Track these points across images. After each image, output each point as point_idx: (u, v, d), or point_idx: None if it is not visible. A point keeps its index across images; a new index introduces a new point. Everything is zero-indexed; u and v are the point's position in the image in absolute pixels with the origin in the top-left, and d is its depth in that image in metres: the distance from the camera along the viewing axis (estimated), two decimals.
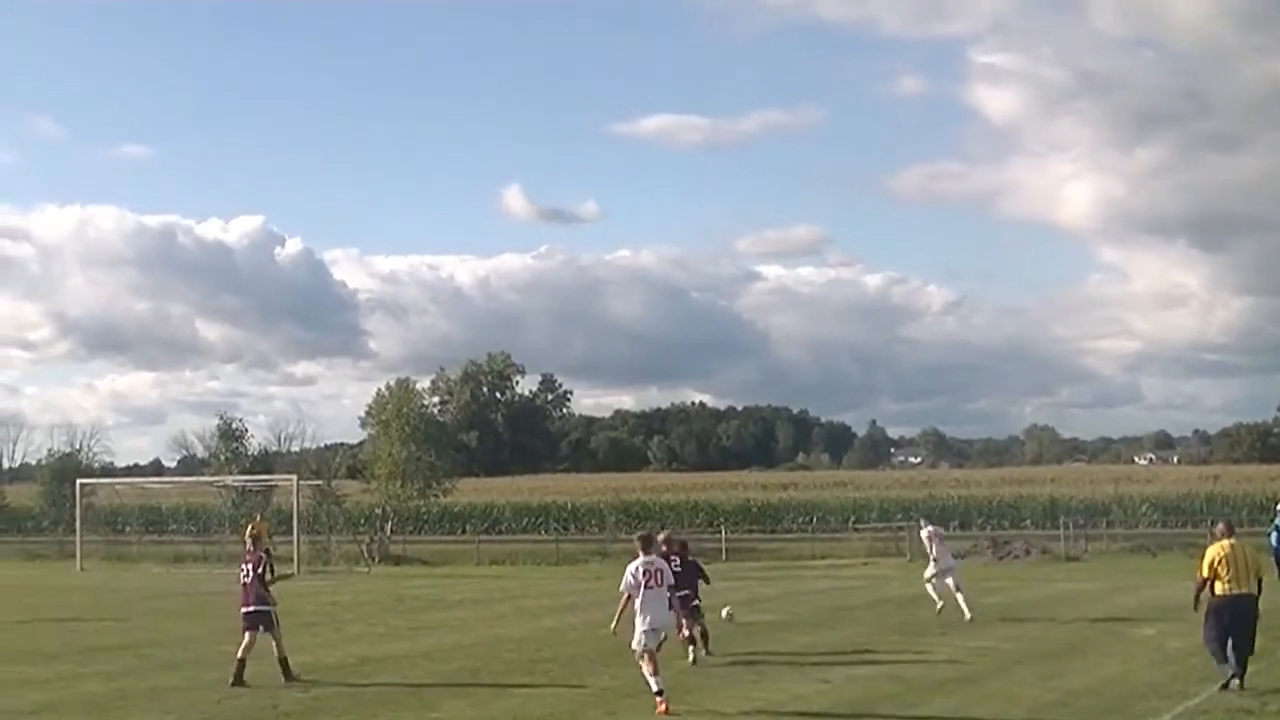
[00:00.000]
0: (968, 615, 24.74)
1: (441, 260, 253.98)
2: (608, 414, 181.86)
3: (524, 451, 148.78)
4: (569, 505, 72.74)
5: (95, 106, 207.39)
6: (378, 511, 58.47)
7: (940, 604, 25.51)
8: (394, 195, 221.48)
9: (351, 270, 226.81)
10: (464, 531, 66.85)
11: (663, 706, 15.43)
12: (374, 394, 67.97)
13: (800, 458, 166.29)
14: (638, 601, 16.20)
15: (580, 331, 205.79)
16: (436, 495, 60.95)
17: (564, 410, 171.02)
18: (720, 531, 56.18)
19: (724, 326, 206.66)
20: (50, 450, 73.35)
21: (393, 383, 66.04)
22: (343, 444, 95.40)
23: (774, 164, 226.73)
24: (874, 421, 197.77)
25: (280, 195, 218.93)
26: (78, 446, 72.82)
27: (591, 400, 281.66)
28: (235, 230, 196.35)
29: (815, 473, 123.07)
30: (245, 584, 19.12)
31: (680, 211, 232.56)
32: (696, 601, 20.78)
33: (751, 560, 50.27)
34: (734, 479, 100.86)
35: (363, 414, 71.51)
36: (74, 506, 54.43)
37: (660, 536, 19.54)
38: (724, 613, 24.47)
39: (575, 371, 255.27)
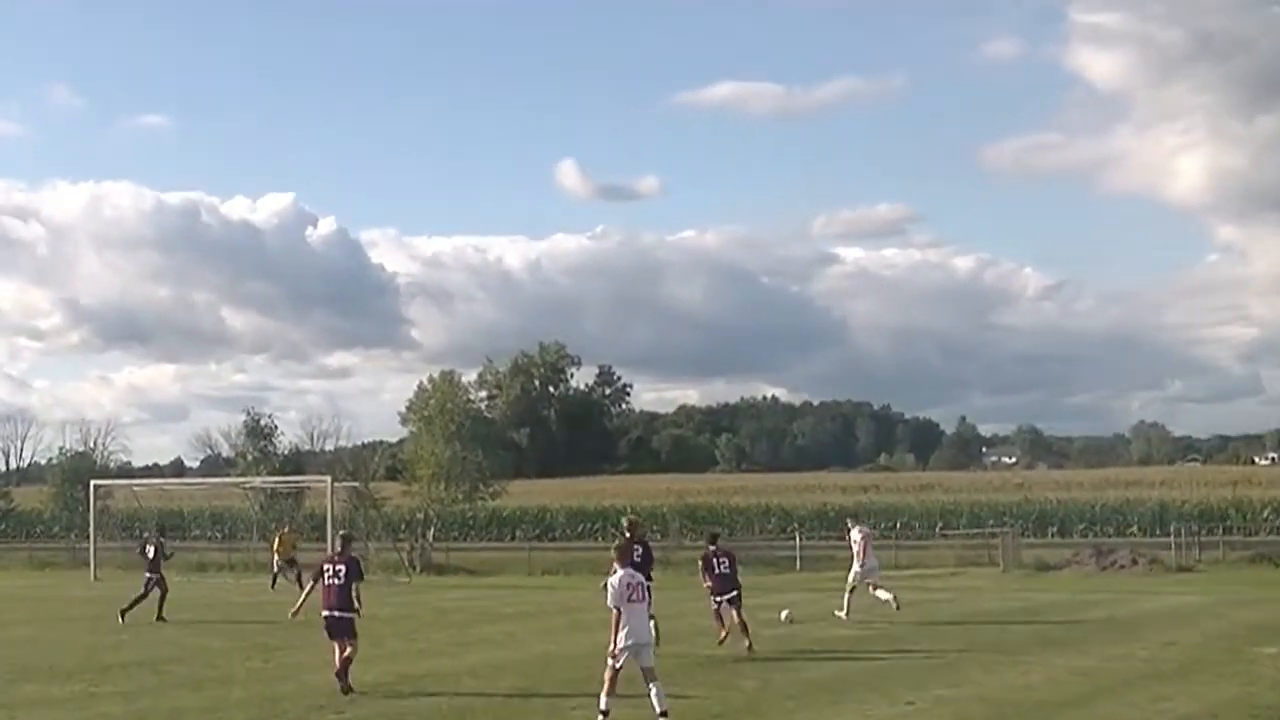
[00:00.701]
0: (895, 607, 28.81)
1: (489, 241, 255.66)
2: (670, 410, 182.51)
3: (579, 451, 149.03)
4: (628, 510, 72.76)
5: (113, 73, 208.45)
6: (419, 516, 58.75)
7: (845, 614, 29.21)
8: (436, 170, 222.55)
9: (390, 252, 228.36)
10: (513, 538, 66.94)
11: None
12: (415, 388, 68.66)
13: (882, 458, 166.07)
14: (623, 617, 16.93)
15: (640, 319, 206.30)
16: (484, 498, 61.28)
17: (623, 406, 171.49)
18: (794, 539, 56.01)
19: (798, 314, 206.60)
20: (62, 449, 74.20)
21: (436, 375, 66.86)
22: (381, 442, 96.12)
23: (853, 136, 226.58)
24: (963, 418, 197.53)
25: (312, 170, 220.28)
26: (92, 445, 73.52)
27: (653, 395, 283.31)
28: (264, 209, 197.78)
29: (898, 474, 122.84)
30: (330, 587, 19.99)
31: (750, 188, 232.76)
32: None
33: (828, 570, 49.92)
34: (809, 481, 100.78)
35: (403, 409, 72.33)
36: (88, 510, 54.32)
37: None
38: (783, 614, 27.22)
39: (635, 363, 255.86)
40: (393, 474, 69.57)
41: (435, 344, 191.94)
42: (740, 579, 25.01)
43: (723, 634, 24.13)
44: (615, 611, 16.97)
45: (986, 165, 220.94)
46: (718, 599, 24.51)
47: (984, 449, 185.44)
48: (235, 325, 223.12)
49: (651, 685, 16.81)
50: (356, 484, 59.78)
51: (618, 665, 16.87)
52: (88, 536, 53.50)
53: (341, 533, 28.93)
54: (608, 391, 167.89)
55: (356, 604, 20.03)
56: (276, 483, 59.41)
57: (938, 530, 61.74)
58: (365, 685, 20.15)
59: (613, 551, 18.29)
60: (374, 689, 19.94)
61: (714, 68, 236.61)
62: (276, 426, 66.24)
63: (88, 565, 51.23)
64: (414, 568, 52.61)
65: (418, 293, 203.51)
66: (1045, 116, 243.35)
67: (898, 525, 65.81)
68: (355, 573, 20.25)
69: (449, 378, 64.79)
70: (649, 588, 17.96)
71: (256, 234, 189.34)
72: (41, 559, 59.98)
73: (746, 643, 23.43)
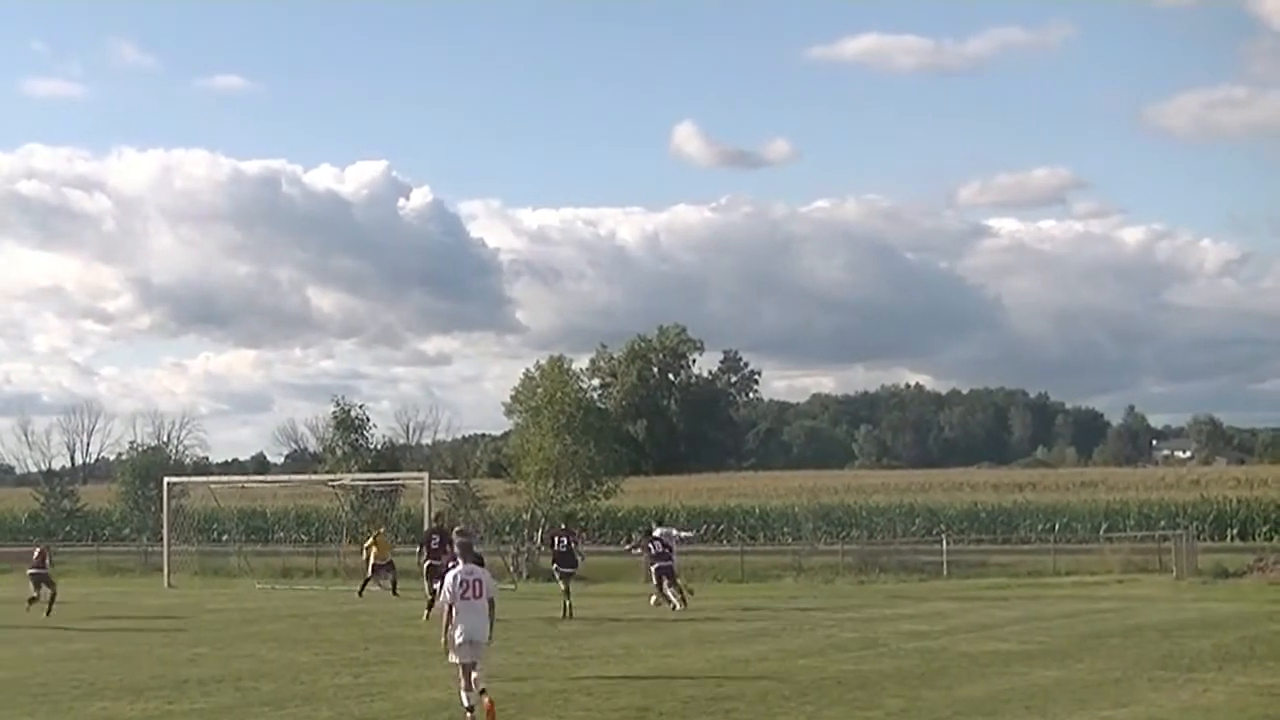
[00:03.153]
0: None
1: (601, 214, 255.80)
2: (803, 399, 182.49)
3: (702, 444, 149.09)
4: (757, 510, 72.79)
5: (184, 29, 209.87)
6: (525, 516, 58.99)
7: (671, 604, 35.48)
8: (542, 135, 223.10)
9: (492, 226, 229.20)
10: (630, 541, 67.06)
11: (488, 703, 17.71)
12: (521, 376, 68.65)
13: (1039, 452, 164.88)
14: (456, 613, 18.31)
15: (770, 300, 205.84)
16: (596, 497, 61.32)
17: (750, 395, 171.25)
18: (941, 541, 55.71)
19: (946, 292, 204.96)
20: (132, 443, 74.85)
21: (544, 362, 66.65)
22: (484, 435, 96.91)
23: (1009, 93, 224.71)
24: (1132, 408, 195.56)
25: (405, 136, 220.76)
26: (165, 439, 74.23)
27: (784, 383, 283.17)
28: (352, 178, 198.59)
29: (1059, 470, 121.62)
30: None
31: (892, 153, 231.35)
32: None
33: (980, 576, 49.80)
34: (959, 477, 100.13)
35: (508, 400, 72.26)
36: (161, 510, 54.62)
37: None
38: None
39: (764, 348, 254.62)
40: (496, 470, 69.94)
41: (542, 327, 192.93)
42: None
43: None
44: (448, 608, 18.33)
45: (1160, 124, 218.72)
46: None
47: (1154, 442, 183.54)
48: (322, 307, 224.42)
49: (474, 673, 18.21)
50: (457, 481, 60.07)
51: (463, 660, 18.23)
52: (160, 539, 53.77)
53: (458, 528, 29.31)
54: (734, 379, 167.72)
55: None
56: (369, 480, 59.49)
57: (1102, 532, 61.20)
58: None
59: (455, 547, 19.97)
60: (476, 708, 19.99)
61: (852, 19, 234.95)
62: (369, 418, 66.29)
63: (161, 571, 51.57)
64: (520, 573, 52.89)
65: (523, 271, 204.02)
66: (1227, 68, 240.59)
67: (1056, 527, 65.35)
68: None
69: (558, 364, 64.77)
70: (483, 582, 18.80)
71: (344, 206, 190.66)
72: (110, 564, 60.62)
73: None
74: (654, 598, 38.09)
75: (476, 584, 18.46)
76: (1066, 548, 57.51)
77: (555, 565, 38.96)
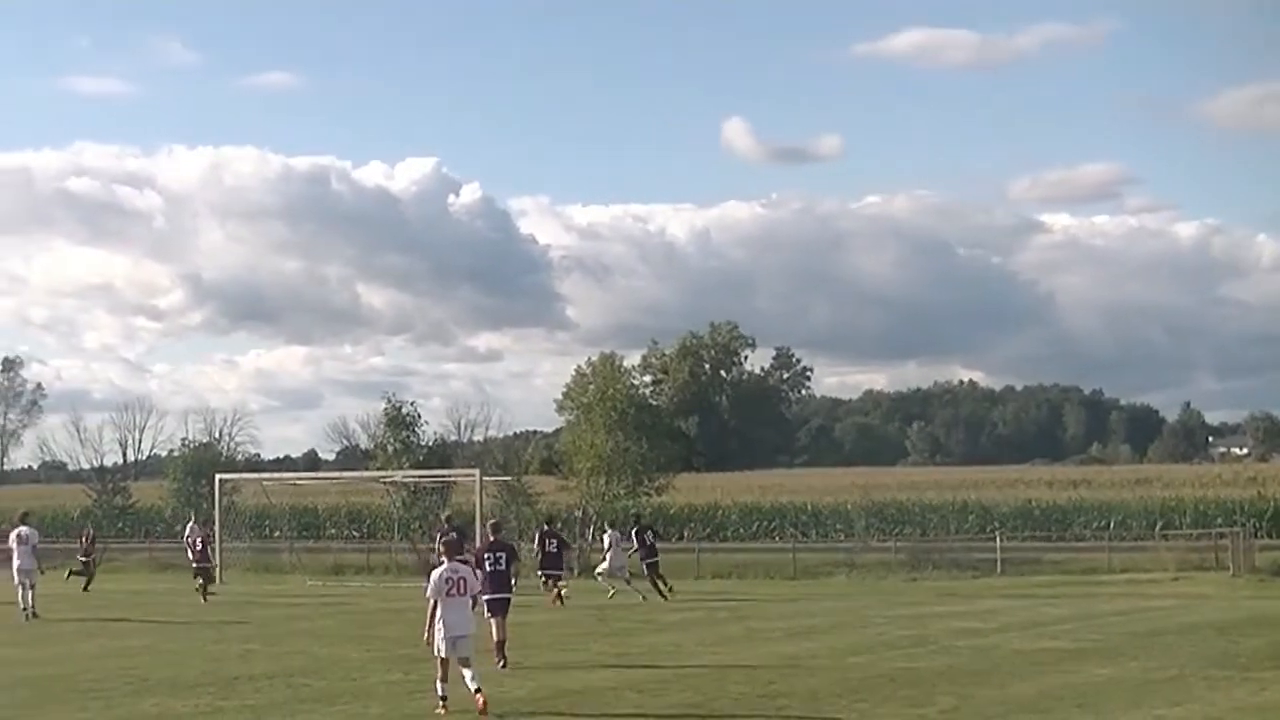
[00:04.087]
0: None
1: (651, 210, 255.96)
2: (855, 396, 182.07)
3: (754, 441, 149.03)
4: (808, 506, 72.56)
5: (231, 26, 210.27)
6: (577, 513, 58.94)
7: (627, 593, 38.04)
8: (591, 132, 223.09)
9: (542, 222, 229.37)
10: (681, 538, 67.01)
11: (482, 700, 18.62)
12: (572, 372, 68.76)
13: (1094, 449, 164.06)
14: (441, 610, 19.34)
15: (821, 296, 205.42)
16: (648, 493, 61.25)
17: (802, 391, 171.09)
18: (994, 539, 55.42)
19: (998, 288, 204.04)
20: (184, 440, 75.16)
21: (595, 359, 66.79)
22: (535, 432, 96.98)
23: (1059, 88, 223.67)
24: (1187, 404, 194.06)
25: (455, 132, 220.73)
26: (216, 435, 74.40)
27: (835, 379, 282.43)
28: (402, 175, 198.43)
29: (1113, 468, 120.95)
30: (493, 572, 24.02)
31: (941, 148, 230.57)
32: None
33: (1034, 574, 49.56)
34: (1012, 475, 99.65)
35: (559, 396, 72.40)
36: (212, 507, 54.58)
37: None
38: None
39: (816, 344, 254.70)
40: (548, 467, 69.90)
41: (593, 324, 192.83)
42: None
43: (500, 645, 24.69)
44: (431, 603, 19.38)
45: (1212, 118, 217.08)
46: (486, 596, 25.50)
47: (1210, 439, 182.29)
48: (372, 303, 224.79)
49: (466, 670, 19.03)
50: (508, 478, 60.13)
51: (441, 655, 19.20)
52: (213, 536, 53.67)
53: (491, 521, 29.71)
54: (785, 376, 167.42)
55: (513, 584, 24.25)
56: (420, 477, 59.50)
57: (1157, 530, 60.71)
58: (519, 700, 20.23)
59: (440, 546, 21.71)
60: (528, 704, 20.00)
61: (899, 14, 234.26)
62: (419, 415, 66.32)
63: (217, 567, 51.58)
64: (571, 570, 52.86)
65: (573, 267, 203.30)
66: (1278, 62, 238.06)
67: (1111, 524, 64.91)
68: (515, 557, 25.23)
69: (609, 361, 64.76)
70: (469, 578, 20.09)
71: (393, 202, 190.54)
72: (162, 560, 60.67)
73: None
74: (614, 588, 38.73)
75: (461, 581, 19.68)
76: (1121, 545, 57.11)
77: (541, 569, 40.01)
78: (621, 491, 59.21)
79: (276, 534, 65.78)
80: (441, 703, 18.98)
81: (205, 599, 40.79)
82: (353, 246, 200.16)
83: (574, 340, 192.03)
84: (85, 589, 41.57)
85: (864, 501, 69.64)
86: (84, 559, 46.31)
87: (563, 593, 39.25)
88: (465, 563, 20.78)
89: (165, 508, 70.85)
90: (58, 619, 35.16)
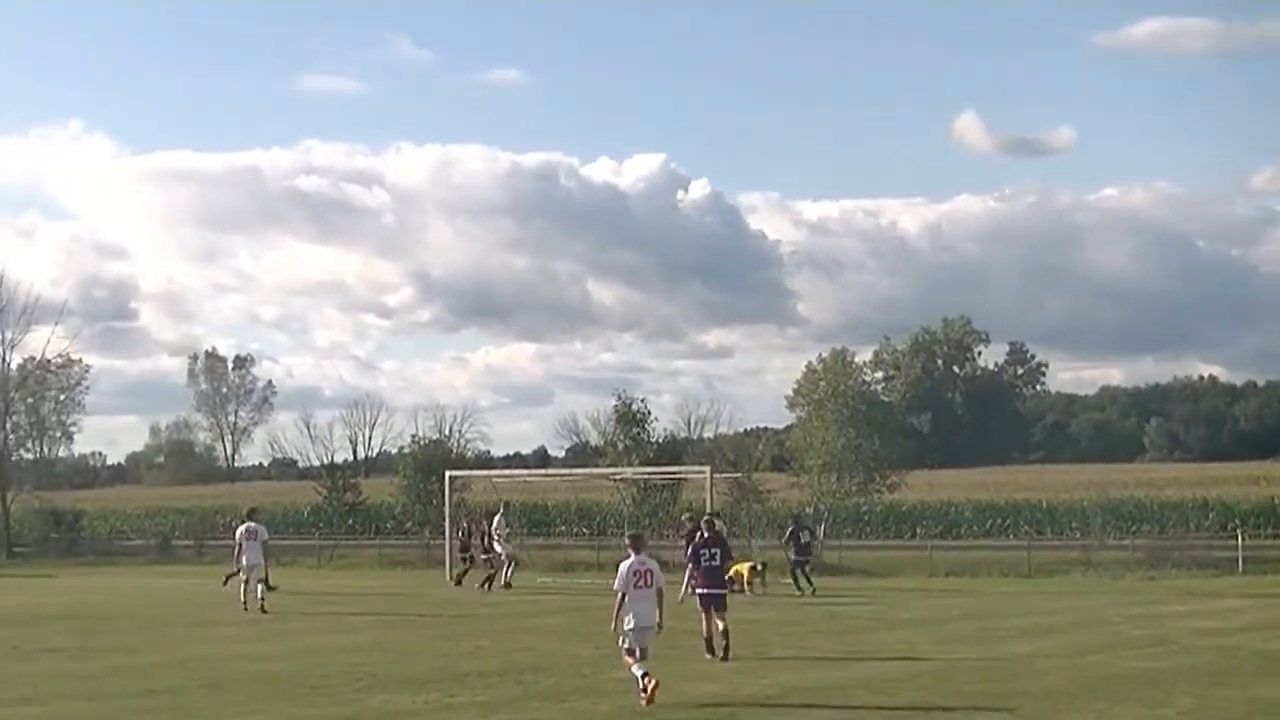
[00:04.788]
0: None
1: (881, 205, 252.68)
2: (1091, 391, 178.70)
3: (988, 437, 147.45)
4: (1044, 504, 71.49)
5: (460, 24, 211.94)
6: (808, 510, 58.72)
7: None
8: (820, 126, 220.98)
9: (772, 218, 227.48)
10: (914, 535, 66.46)
11: (653, 684, 19.22)
12: (803, 368, 68.42)
13: None
14: (627, 601, 20.21)
15: (1056, 290, 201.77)
16: (880, 491, 60.88)
17: (1037, 387, 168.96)
18: (1236, 537, 54.24)
19: (1240, 281, 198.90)
20: (414, 437, 75.55)
21: (826, 355, 66.48)
22: (766, 429, 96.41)
23: None
24: None
25: (684, 128, 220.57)
26: (446, 432, 74.98)
27: (1071, 374, 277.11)
28: (630, 171, 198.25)
29: None
30: (709, 568, 25.30)
31: (1181, 139, 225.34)
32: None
33: (1277, 573, 48.40)
34: (1254, 471, 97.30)
35: (790, 393, 72.24)
36: (442, 504, 54.72)
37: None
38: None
39: (1050, 340, 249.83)
40: (779, 464, 69.61)
41: (824, 320, 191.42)
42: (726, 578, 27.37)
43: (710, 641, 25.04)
44: (619, 595, 20.27)
45: None
46: (701, 591, 25.80)
47: None
48: (602, 300, 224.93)
49: (640, 665, 19.70)
50: (738, 475, 59.98)
51: (624, 645, 20.12)
52: (442, 533, 54.02)
53: (705, 518, 30.21)
54: (1019, 371, 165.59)
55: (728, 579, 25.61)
56: (650, 474, 59.52)
57: None
58: (749, 697, 20.22)
59: (626, 540, 21.98)
60: (759, 701, 19.95)
61: (1138, 3, 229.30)
62: (650, 412, 66.12)
63: (442, 564, 51.92)
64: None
65: (803, 263, 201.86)
66: None
67: None
68: (728, 554, 26.41)
69: (841, 357, 64.48)
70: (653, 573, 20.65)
71: (621, 198, 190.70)
72: (392, 557, 61.46)
73: (722, 651, 24.54)
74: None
75: (648, 574, 20.46)
76: None
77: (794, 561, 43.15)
78: (853, 488, 58.91)
79: (507, 531, 66.13)
80: (643, 679, 19.47)
81: (489, 587, 43.04)
82: (581, 243, 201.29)
83: (805, 336, 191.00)
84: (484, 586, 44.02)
85: (1100, 498, 68.37)
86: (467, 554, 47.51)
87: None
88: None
89: (395, 504, 71.59)
90: (284, 616, 35.78)
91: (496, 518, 47.43)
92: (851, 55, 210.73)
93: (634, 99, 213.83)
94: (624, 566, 20.49)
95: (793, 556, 44.24)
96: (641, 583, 20.28)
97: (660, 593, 20.58)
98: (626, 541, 21.64)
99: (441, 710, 19.69)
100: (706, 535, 26.61)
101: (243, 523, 38.87)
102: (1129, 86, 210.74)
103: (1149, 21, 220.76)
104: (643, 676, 19.45)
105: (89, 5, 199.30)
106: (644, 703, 19.21)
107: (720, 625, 24.74)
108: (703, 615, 24.96)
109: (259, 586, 37.01)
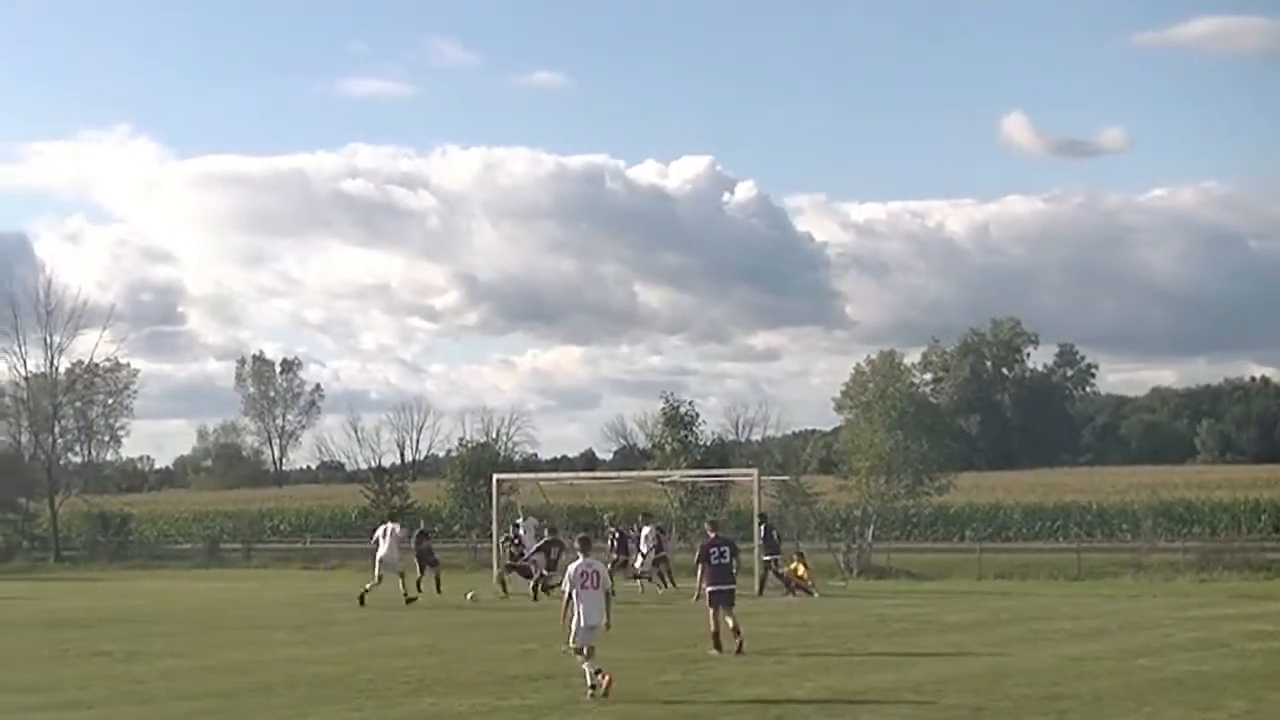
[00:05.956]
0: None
1: (929, 206, 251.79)
2: (1142, 393, 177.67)
3: (1037, 439, 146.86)
4: (1094, 506, 71.30)
5: (505, 25, 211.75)
6: (856, 513, 58.68)
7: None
8: (867, 128, 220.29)
9: (818, 220, 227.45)
10: (962, 538, 66.41)
11: (606, 680, 20.33)
12: (851, 371, 68.31)
13: None
14: (575, 601, 21.04)
15: (1106, 291, 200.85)
16: (928, 493, 60.70)
17: (1087, 389, 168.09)
18: None
19: None
20: (461, 440, 75.86)
21: (874, 357, 66.40)
22: (813, 431, 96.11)
23: None
24: None
25: (730, 130, 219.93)
26: (494, 435, 75.13)
27: (1121, 376, 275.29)
28: (676, 174, 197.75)
29: None
30: (718, 566, 26.42)
31: (1233, 138, 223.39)
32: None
33: None
34: None
35: (838, 395, 71.92)
36: (490, 507, 54.47)
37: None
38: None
39: (1100, 341, 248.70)
40: (827, 466, 69.50)
41: (872, 322, 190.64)
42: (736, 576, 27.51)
43: (717, 636, 26.09)
44: (566, 595, 21.24)
45: None
46: (710, 588, 26.80)
47: None
48: (648, 302, 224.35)
49: (587, 662, 20.73)
50: (786, 478, 59.96)
51: (574, 645, 21.07)
52: (489, 536, 53.89)
53: (710, 519, 30.72)
54: (1069, 373, 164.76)
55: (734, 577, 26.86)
56: (697, 477, 59.54)
57: None
58: (797, 701, 20.21)
59: (576, 543, 22.73)
60: (807, 704, 19.94)
61: (1187, 1, 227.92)
62: (698, 414, 66.13)
63: (490, 567, 51.76)
64: (851, 570, 52.68)
65: (850, 265, 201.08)
66: None
67: None
68: (736, 552, 27.32)
69: (889, 359, 64.37)
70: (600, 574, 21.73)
71: (668, 201, 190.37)
72: (441, 560, 61.56)
73: (736, 645, 25.77)
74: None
75: (595, 575, 21.41)
76: None
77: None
78: (901, 491, 58.77)
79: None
80: (596, 676, 20.54)
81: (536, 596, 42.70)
82: (628, 246, 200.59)
83: (852, 338, 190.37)
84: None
85: (1151, 501, 68.20)
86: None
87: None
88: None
89: (442, 507, 71.68)
90: (329, 621, 35.89)
91: (647, 529, 48.11)
92: (899, 56, 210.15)
93: (680, 101, 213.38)
94: (572, 568, 21.49)
95: (764, 556, 44.73)
96: (589, 583, 21.21)
97: (607, 594, 21.52)
98: (576, 544, 22.70)
99: (490, 713, 19.69)
100: (714, 536, 27.68)
101: (383, 524, 41.96)
102: (1179, 86, 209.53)
103: (1200, 21, 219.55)
104: (595, 674, 20.47)
105: (135, 10, 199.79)
106: (589, 695, 20.32)
107: (730, 622, 26.01)
108: (710, 612, 26.24)
109: (399, 581, 39.94)
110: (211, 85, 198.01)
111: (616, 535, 48.14)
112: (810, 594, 43.06)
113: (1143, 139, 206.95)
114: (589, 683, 20.50)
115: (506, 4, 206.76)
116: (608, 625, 21.36)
